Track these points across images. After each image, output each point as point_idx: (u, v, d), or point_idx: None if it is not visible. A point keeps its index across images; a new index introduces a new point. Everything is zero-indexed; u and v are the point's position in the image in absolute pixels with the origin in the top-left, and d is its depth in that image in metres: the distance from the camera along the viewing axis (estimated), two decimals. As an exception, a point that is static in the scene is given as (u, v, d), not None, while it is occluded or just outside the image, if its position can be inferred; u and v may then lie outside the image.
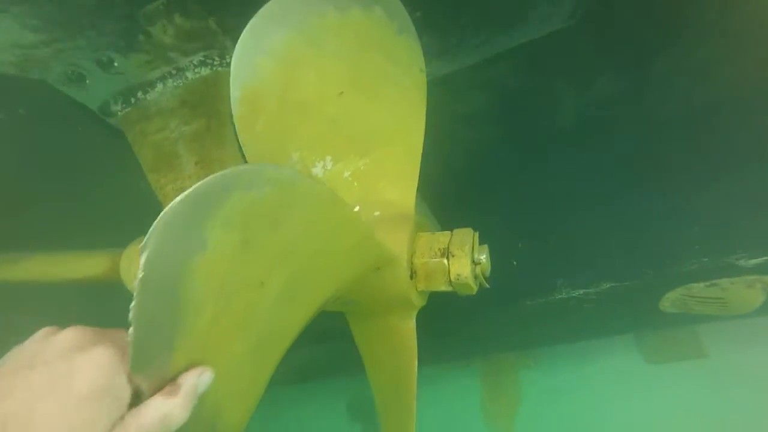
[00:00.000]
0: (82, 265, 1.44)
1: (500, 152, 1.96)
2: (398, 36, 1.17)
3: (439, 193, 1.99)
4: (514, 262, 1.91)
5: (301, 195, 0.66)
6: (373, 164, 1.14)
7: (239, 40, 0.97)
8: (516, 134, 1.94)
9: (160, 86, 1.65)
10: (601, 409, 2.55)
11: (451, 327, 2.12)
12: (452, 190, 1.96)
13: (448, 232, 1.09)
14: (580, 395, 2.66)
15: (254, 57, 0.98)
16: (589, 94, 1.88)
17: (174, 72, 1.62)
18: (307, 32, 1.03)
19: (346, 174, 1.11)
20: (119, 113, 1.68)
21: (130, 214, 1.71)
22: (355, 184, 1.12)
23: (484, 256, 1.06)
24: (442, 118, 1.60)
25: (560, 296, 1.86)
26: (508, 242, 1.93)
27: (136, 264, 1.32)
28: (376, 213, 1.12)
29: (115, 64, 1.54)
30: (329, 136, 1.09)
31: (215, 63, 1.62)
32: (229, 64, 1.64)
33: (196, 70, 1.62)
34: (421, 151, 1.19)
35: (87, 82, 1.59)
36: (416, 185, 1.17)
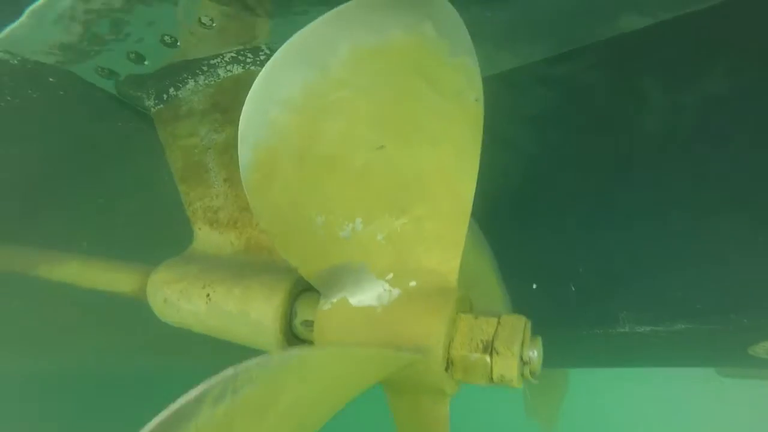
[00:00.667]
0: (113, 279, 1.40)
1: (567, 161, 1.69)
2: (451, 59, 0.96)
3: (492, 206, 1.79)
4: (572, 287, 1.71)
5: (294, 376, 0.52)
6: (412, 225, 0.96)
7: (250, 92, 0.80)
8: (588, 142, 1.66)
9: (191, 83, 1.51)
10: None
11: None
12: (507, 201, 1.74)
13: (495, 319, 0.92)
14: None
15: (268, 111, 0.81)
16: (685, 98, 1.56)
17: (205, 68, 1.48)
18: (332, 71, 0.84)
19: (379, 237, 0.95)
20: (152, 109, 1.57)
21: (164, 212, 1.65)
22: (389, 248, 0.96)
23: (536, 352, 0.89)
24: (500, 120, 1.37)
25: (622, 330, 1.65)
26: (567, 264, 1.72)
27: (161, 294, 1.25)
28: (412, 283, 0.97)
29: (146, 61, 1.41)
30: (359, 193, 0.93)
31: (248, 60, 1.45)
32: (263, 63, 1.47)
33: (228, 68, 1.47)
34: (471, 206, 1.00)
35: (120, 75, 1.48)
36: (462, 250, 0.99)
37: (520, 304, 1.74)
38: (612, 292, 1.67)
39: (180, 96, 1.52)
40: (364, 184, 0.92)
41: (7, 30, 1.24)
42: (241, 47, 1.41)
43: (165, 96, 1.54)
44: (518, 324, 0.90)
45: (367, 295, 0.96)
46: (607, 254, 1.69)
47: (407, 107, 0.94)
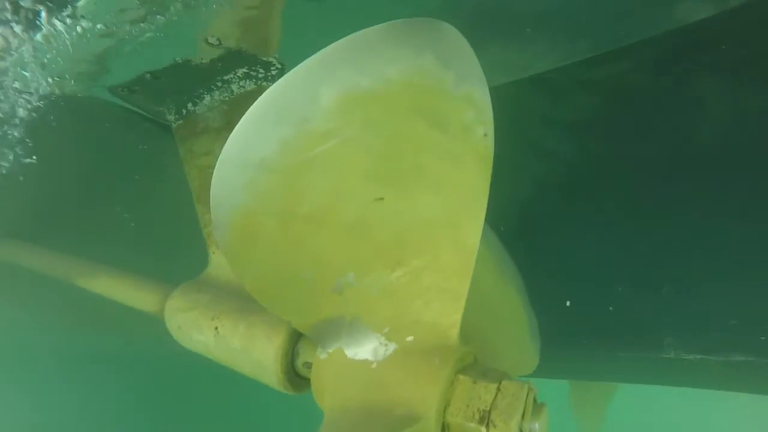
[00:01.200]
0: (137, 298, 1.44)
1: (606, 170, 1.54)
2: (455, 90, 0.86)
3: (521, 217, 1.68)
4: (610, 307, 1.58)
5: None
6: (409, 277, 0.90)
7: (221, 155, 0.74)
8: (631, 150, 1.49)
9: (207, 98, 1.49)
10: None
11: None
12: (538, 212, 1.62)
13: (495, 385, 0.84)
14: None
15: (244, 174, 0.76)
16: (753, 102, 1.35)
17: (220, 84, 1.45)
18: (314, 123, 0.77)
19: (374, 290, 0.89)
20: (173, 124, 1.57)
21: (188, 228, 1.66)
22: (385, 301, 0.90)
23: (539, 424, 0.81)
24: (534, 126, 1.26)
25: (666, 356, 1.52)
26: (605, 282, 1.59)
27: (176, 321, 1.27)
28: (410, 338, 0.91)
29: (162, 78, 1.40)
30: (351, 248, 0.87)
31: (260, 76, 1.41)
32: (274, 78, 1.42)
33: (240, 84, 1.43)
34: (475, 256, 0.92)
35: (138, 91, 1.49)
36: (463, 305, 0.91)
37: (550, 322, 1.64)
38: (656, 316, 1.53)
39: (197, 112, 1.50)
40: (356, 238, 0.86)
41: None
42: (253, 63, 1.37)
43: (184, 111, 1.53)
44: (520, 392, 0.82)
45: (363, 349, 0.92)
46: (651, 273, 1.54)
47: (405, 152, 0.86)
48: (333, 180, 0.82)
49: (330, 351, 0.94)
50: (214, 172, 0.75)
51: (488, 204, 1.71)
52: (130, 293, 1.47)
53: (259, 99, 0.74)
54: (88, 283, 1.61)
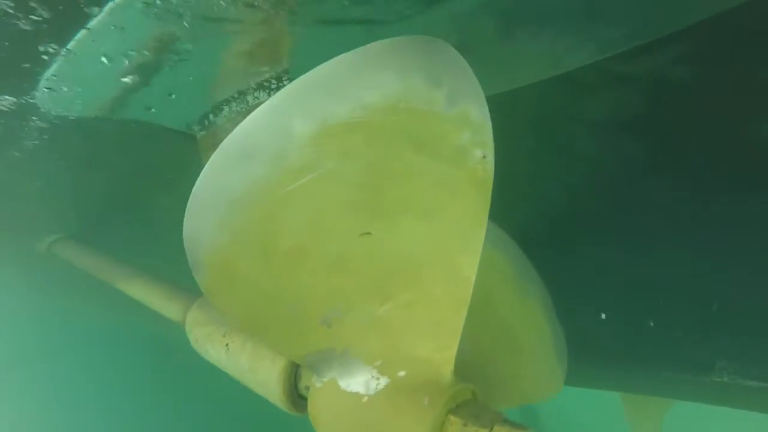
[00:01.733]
0: (165, 307, 1.50)
1: (644, 173, 1.40)
2: (448, 110, 0.81)
3: (550, 222, 1.58)
4: (651, 322, 1.46)
5: None
6: (399, 311, 0.86)
7: (192, 195, 0.73)
8: (674, 151, 1.34)
9: (226, 109, 1.50)
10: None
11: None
12: (570, 218, 1.52)
13: (485, 430, 0.79)
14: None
15: (217, 214, 0.75)
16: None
17: (236, 95, 1.45)
18: (289, 158, 0.74)
19: (363, 324, 0.86)
20: (198, 135, 1.60)
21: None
22: (375, 335, 0.87)
23: (532, 476, 0.76)
24: (565, 127, 1.19)
25: (718, 379, 1.38)
26: (645, 294, 1.46)
27: (194, 334, 1.31)
28: (401, 372, 0.87)
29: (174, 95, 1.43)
30: (335, 282, 0.84)
31: (272, 87, 1.39)
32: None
33: (255, 95, 1.42)
34: (471, 287, 0.86)
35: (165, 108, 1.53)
36: (458, 340, 0.86)
37: (583, 335, 1.54)
38: (705, 335, 1.40)
39: (218, 123, 1.52)
40: (340, 273, 0.83)
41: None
42: (266, 76, 1.36)
43: (206, 122, 1.55)
44: None
45: (356, 380, 0.89)
46: (700, 287, 1.40)
47: (391, 182, 0.82)
48: (313, 215, 0.79)
49: (325, 380, 0.93)
50: (186, 211, 0.74)
51: (517, 209, 1.64)
52: (159, 301, 1.54)
53: (229, 137, 0.72)
54: (126, 287, 1.70)
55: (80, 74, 1.23)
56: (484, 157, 0.85)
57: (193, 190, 0.74)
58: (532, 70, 1.36)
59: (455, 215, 0.85)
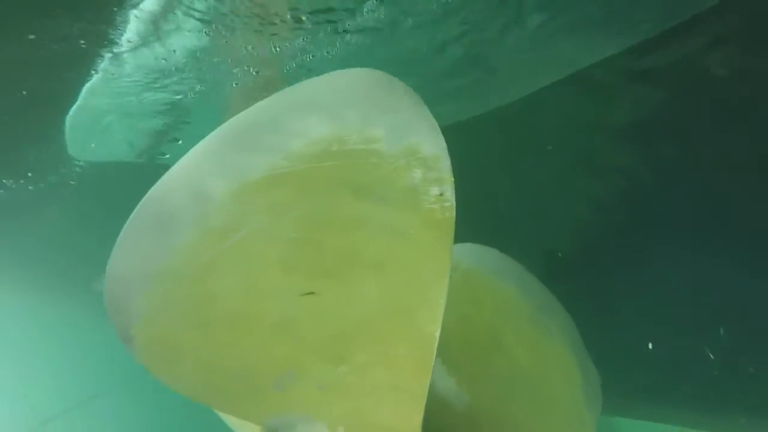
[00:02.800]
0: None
1: (682, 180, 1.19)
2: (391, 149, 0.73)
3: (579, 243, 1.43)
4: (710, 353, 1.24)
5: None
6: (355, 374, 0.78)
7: (108, 273, 0.70)
8: (713, 149, 1.13)
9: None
10: None
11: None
12: (598, 237, 1.34)
13: None
14: None
15: (141, 290, 0.71)
16: None
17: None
18: (210, 220, 0.70)
19: (318, 388, 0.79)
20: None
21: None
22: (333, 400, 0.79)
23: None
24: (584, 133, 1.10)
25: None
26: (700, 319, 1.25)
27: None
28: None
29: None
30: (282, 347, 0.77)
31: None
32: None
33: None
34: (435, 345, 0.76)
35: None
36: (423, 405, 0.76)
37: (627, 369, 1.35)
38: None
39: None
40: (287, 336, 0.77)
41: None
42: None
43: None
44: None
45: None
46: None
47: (330, 235, 0.74)
48: (247, 278, 0.73)
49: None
50: (105, 283, 0.72)
51: (543, 232, 1.51)
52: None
53: (141, 205, 0.69)
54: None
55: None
56: (441, 194, 0.75)
57: (109, 262, 0.71)
58: (541, 74, 1.23)
59: (411, 264, 0.75)
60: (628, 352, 1.36)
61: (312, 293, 0.74)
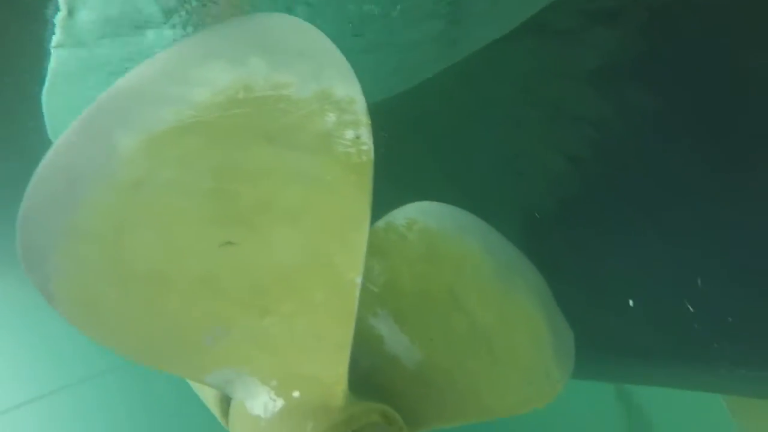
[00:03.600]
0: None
1: (664, 132, 1.12)
2: (302, 94, 0.72)
3: (554, 201, 1.39)
4: (689, 307, 1.18)
5: None
6: (281, 325, 0.77)
7: (19, 238, 0.70)
8: (692, 97, 1.06)
9: None
10: None
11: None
12: (573, 194, 1.29)
13: None
14: None
15: (56, 247, 0.71)
16: None
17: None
18: (117, 175, 0.69)
19: (248, 342, 0.78)
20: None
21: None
22: (263, 352, 0.78)
23: None
24: (548, 84, 1.11)
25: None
26: (679, 272, 1.19)
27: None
28: (296, 393, 0.78)
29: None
30: (207, 301, 0.77)
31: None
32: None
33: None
34: (356, 294, 0.74)
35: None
36: (348, 355, 0.75)
37: (607, 329, 1.30)
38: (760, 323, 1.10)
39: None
40: (211, 290, 0.76)
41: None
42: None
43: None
44: None
45: (256, 402, 0.81)
46: (750, 260, 1.10)
47: (243, 184, 0.73)
48: (163, 234, 0.73)
49: (236, 402, 0.87)
50: (18, 241, 0.72)
51: (516, 189, 1.49)
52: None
53: (45, 161, 0.69)
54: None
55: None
56: (357, 137, 0.73)
57: (20, 215, 0.71)
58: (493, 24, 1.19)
59: (329, 211, 0.74)
60: (609, 311, 1.31)
61: (229, 243, 0.73)
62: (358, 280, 0.74)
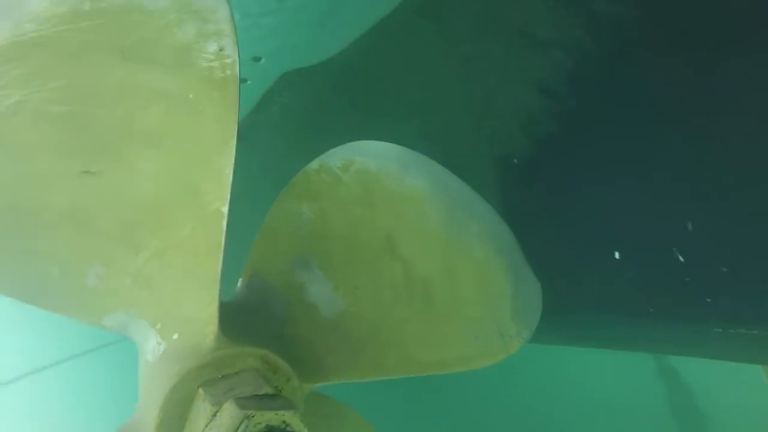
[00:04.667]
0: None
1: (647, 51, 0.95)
2: (154, 3, 0.65)
3: (527, 139, 1.27)
4: (679, 256, 1.01)
5: None
6: (155, 261, 0.70)
7: None
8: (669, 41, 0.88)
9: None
10: None
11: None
12: (547, 130, 1.15)
13: (213, 409, 0.60)
14: None
15: None
16: None
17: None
18: None
19: (128, 280, 0.73)
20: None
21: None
22: (144, 293, 0.73)
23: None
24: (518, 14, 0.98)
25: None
26: (666, 218, 1.02)
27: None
28: (175, 336, 0.72)
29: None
30: (81, 236, 0.72)
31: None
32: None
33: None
34: (223, 225, 0.66)
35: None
36: (217, 293, 0.67)
37: (591, 285, 1.16)
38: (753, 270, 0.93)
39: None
40: (79, 224, 0.71)
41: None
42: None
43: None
44: (231, 424, 0.57)
45: (147, 346, 0.77)
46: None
47: (101, 106, 0.67)
48: (17, 162, 0.68)
49: (138, 347, 0.83)
50: None
51: (483, 128, 1.37)
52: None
53: None
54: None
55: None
56: (220, 50, 0.65)
57: None
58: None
59: (191, 132, 0.66)
60: (593, 264, 1.16)
61: (89, 172, 0.68)
62: (225, 209, 0.66)
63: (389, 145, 1.03)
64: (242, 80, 1.61)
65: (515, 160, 1.24)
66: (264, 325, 0.80)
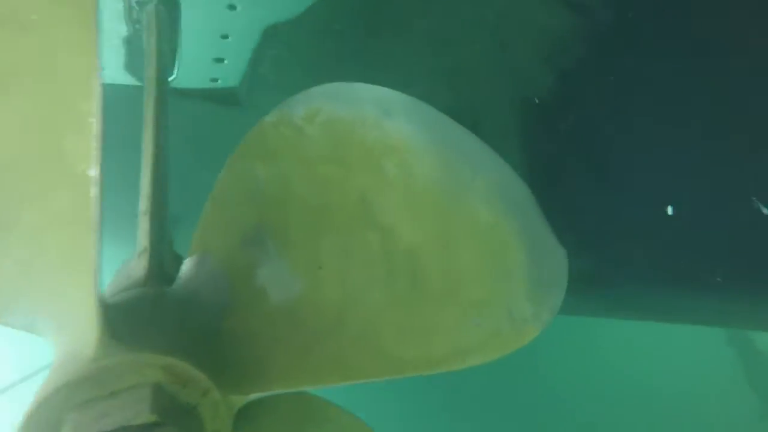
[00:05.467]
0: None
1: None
2: None
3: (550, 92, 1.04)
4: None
5: None
6: (28, 239, 0.54)
7: None
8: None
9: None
10: None
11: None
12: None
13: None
14: None
15: None
16: None
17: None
18: None
19: (9, 264, 0.57)
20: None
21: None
22: (26, 282, 0.57)
23: None
24: None
25: None
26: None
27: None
28: (63, 338, 0.57)
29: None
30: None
31: None
32: None
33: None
34: (92, 192, 0.49)
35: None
36: (93, 271, 0.51)
37: (639, 248, 0.93)
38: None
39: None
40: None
41: None
42: None
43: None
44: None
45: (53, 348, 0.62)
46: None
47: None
48: None
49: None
50: None
51: (503, 65, 1.13)
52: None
53: None
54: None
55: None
56: None
57: None
58: None
59: (43, 67, 0.49)
60: (642, 225, 0.92)
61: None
62: (92, 172, 0.49)
63: (365, 86, 0.81)
64: (224, 36, 1.41)
65: (536, 100, 1.00)
66: (196, 320, 0.64)
